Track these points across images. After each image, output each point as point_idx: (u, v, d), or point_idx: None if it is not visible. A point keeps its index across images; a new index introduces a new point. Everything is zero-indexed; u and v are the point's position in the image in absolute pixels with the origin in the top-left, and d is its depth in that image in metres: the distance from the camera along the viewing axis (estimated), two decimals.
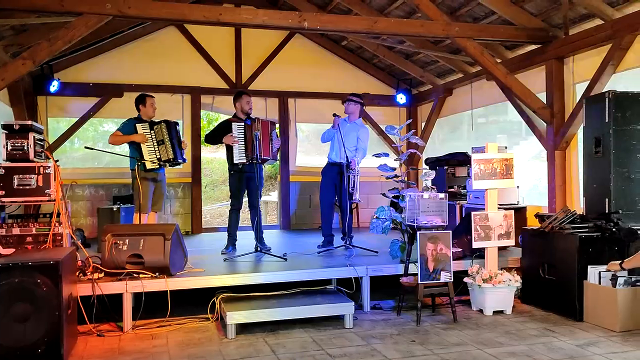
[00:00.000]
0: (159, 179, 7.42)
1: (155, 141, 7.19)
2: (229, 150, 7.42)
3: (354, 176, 7.21)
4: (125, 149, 7.47)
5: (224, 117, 10.24)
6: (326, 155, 8.06)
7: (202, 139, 8.32)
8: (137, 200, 7.01)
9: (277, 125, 8.05)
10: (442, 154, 9.77)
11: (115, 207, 8.85)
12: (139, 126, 7.22)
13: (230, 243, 7.61)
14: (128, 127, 7.24)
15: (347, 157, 7.44)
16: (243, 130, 7.23)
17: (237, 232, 7.69)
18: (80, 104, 10.11)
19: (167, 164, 7.28)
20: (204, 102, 10.76)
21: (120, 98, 10.28)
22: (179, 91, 10.51)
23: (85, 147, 7.02)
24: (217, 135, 7.52)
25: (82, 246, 6.26)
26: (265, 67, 11.15)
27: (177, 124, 7.45)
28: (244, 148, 7.15)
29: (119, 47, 10.37)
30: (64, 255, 4.74)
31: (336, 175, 7.72)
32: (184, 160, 7.51)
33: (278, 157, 7.75)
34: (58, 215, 5.74)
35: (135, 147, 7.23)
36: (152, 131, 7.22)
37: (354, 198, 7.17)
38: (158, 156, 7.14)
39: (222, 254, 7.35)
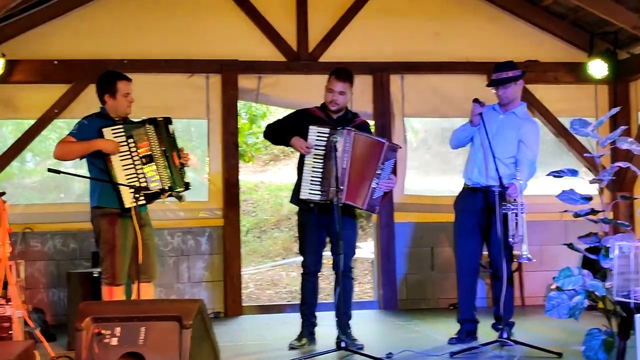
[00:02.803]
0: (147, 222, 5.62)
1: (137, 158, 5.47)
2: (300, 167, 5.68)
3: (517, 213, 5.60)
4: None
5: (281, 113, 8.21)
6: (460, 173, 6.44)
7: (263, 131, 6.44)
8: (111, 261, 5.41)
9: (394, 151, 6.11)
10: None
11: (96, 272, 6.92)
12: (107, 131, 5.44)
13: (306, 331, 5.85)
14: (86, 129, 5.48)
15: (499, 176, 5.70)
16: (326, 141, 5.47)
17: (316, 312, 5.98)
18: (37, 96, 8.04)
19: (159, 197, 5.55)
20: (243, 87, 8.34)
21: None
22: (201, 70, 8.21)
23: (49, 170, 5.36)
24: (285, 129, 5.76)
25: (43, 338, 5.26)
26: (348, 22, 8.46)
27: (169, 121, 5.68)
28: (320, 173, 5.48)
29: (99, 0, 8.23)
30: (14, 356, 4.30)
31: (480, 211, 5.98)
32: (187, 188, 5.69)
33: (377, 208, 5.99)
34: (5, 286, 5.02)
35: (97, 166, 5.47)
36: (131, 139, 5.49)
37: (520, 254, 5.54)
38: (143, 183, 5.44)
39: (290, 349, 5.73)
